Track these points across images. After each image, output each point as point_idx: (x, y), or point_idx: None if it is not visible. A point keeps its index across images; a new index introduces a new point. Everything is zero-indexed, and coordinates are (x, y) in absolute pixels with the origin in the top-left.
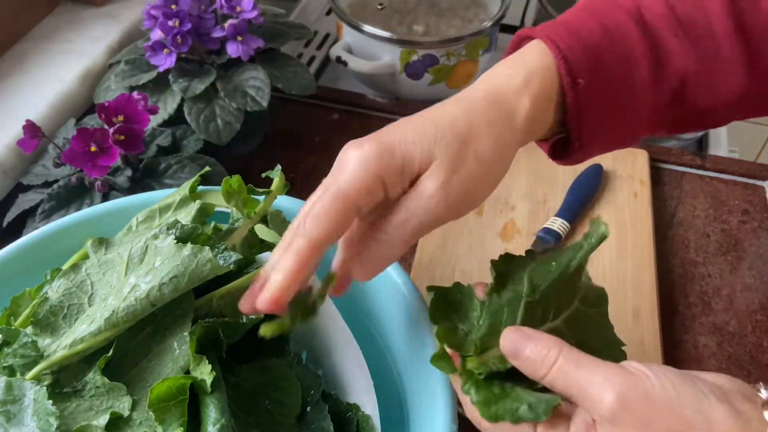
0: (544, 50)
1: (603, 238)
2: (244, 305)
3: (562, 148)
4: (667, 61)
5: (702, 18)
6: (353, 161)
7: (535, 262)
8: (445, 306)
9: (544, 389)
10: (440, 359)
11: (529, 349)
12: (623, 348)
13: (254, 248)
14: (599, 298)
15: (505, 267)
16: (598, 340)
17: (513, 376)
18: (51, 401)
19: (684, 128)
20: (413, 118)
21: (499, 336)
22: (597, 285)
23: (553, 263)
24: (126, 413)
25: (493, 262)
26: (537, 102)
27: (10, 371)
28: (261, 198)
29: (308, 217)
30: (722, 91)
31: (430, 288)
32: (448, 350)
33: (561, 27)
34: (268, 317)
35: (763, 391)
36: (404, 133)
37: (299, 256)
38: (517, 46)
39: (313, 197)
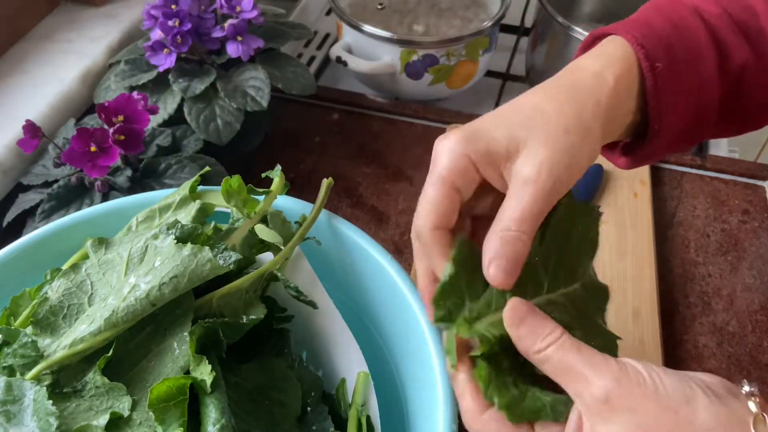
0: (621, 42)
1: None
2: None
3: (631, 149)
4: (729, 55)
5: (752, 19)
6: (442, 149)
7: (558, 215)
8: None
9: (542, 386)
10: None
11: (534, 320)
12: (618, 342)
13: (254, 248)
14: (601, 293)
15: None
16: (593, 326)
17: (515, 371)
18: (51, 401)
19: (744, 126)
20: (498, 109)
21: (490, 306)
22: (602, 282)
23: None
24: (126, 413)
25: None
26: (618, 82)
27: (10, 371)
28: (261, 198)
29: (417, 213)
30: None
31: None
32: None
33: (631, 23)
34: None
35: (746, 386)
36: (488, 120)
37: (433, 248)
38: (590, 45)
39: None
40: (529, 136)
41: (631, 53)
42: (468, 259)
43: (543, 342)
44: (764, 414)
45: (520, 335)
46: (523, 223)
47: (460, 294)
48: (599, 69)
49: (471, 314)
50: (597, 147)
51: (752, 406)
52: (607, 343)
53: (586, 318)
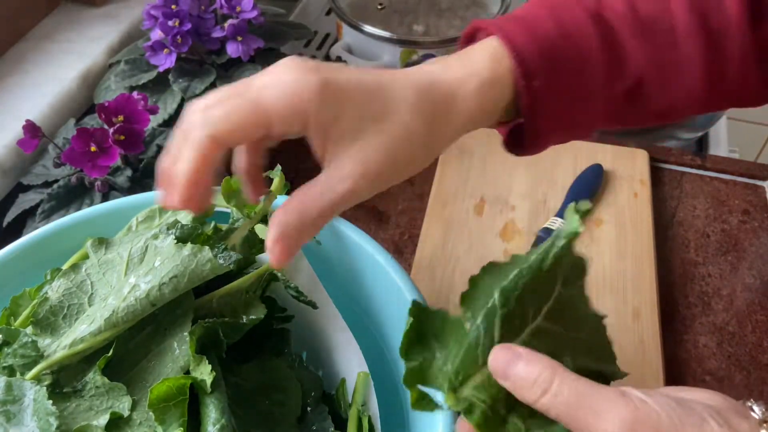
0: (499, 49)
1: (573, 235)
2: (162, 201)
3: (514, 140)
4: (625, 62)
5: (665, 15)
6: (289, 84)
7: (502, 270)
8: (423, 335)
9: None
10: (421, 401)
11: (521, 368)
12: (618, 342)
13: (254, 248)
14: (578, 270)
15: (475, 284)
16: (579, 322)
17: (513, 407)
18: (51, 401)
19: (640, 124)
20: (368, 78)
21: (477, 362)
22: (577, 255)
23: (525, 266)
24: (126, 413)
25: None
26: (482, 97)
27: (10, 371)
28: (261, 198)
29: (216, 108)
30: (680, 92)
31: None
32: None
33: (517, 24)
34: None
35: (756, 408)
36: (347, 95)
37: (202, 152)
38: (470, 37)
39: (223, 92)
40: (367, 133)
41: (508, 59)
42: (426, 323)
43: (537, 390)
44: None
45: (512, 387)
46: (321, 215)
47: (430, 349)
48: (461, 78)
49: (456, 378)
50: (436, 153)
51: None
52: (596, 338)
53: (572, 318)
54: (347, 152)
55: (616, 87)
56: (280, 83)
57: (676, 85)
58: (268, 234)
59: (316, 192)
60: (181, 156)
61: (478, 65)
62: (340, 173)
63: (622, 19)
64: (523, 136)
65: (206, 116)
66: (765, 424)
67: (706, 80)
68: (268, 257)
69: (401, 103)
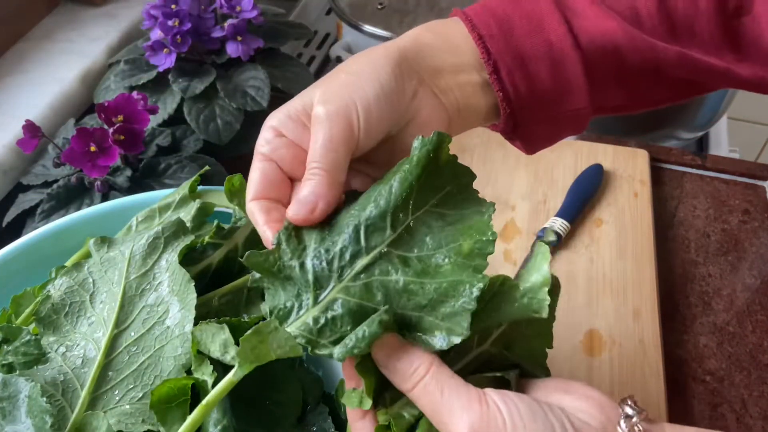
0: (458, 24)
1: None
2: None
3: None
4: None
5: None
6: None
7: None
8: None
9: None
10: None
11: (400, 360)
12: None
13: (257, 247)
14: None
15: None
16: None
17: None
18: (45, 398)
19: (627, 108)
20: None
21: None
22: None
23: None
24: None
25: None
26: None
27: (9, 368)
28: None
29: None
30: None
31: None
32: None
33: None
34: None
35: (628, 408)
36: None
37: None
38: None
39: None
40: (319, 87)
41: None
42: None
43: (410, 383)
44: None
45: (391, 377)
46: (322, 159)
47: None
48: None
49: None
50: (398, 84)
51: None
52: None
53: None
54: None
55: (581, 47)
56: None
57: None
58: (302, 188)
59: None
60: None
61: (444, 26)
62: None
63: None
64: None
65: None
66: (630, 423)
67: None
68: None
69: (372, 53)
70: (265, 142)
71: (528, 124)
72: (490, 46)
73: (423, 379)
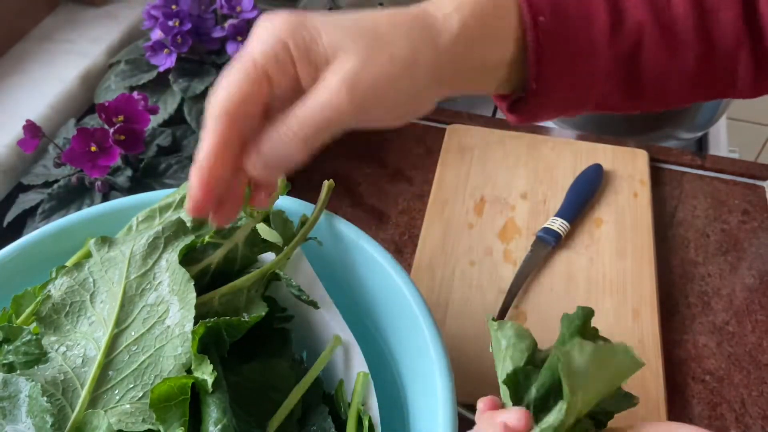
0: None
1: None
2: (188, 209)
3: (516, 106)
4: (624, 13)
5: None
6: (263, 29)
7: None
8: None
9: None
10: None
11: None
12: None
13: (257, 247)
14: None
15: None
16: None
17: None
18: (46, 398)
19: (641, 98)
20: (343, 14)
21: None
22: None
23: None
24: None
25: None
26: (467, 29)
27: (9, 368)
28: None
29: (219, 89)
30: (673, 64)
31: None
32: None
33: None
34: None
35: None
36: (322, 19)
37: (217, 132)
38: None
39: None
40: (352, 48)
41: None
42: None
43: None
44: None
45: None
46: (303, 125)
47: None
48: (449, 11)
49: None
50: (422, 87)
51: None
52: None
53: None
54: (330, 67)
55: (616, 46)
56: (257, 35)
57: (670, 53)
58: (261, 142)
59: (303, 105)
60: (200, 148)
61: None
62: (323, 82)
63: None
64: (525, 102)
65: (212, 102)
66: None
67: (701, 53)
68: (252, 164)
69: (380, 17)
70: (273, 59)
71: (547, 70)
72: None
73: None
